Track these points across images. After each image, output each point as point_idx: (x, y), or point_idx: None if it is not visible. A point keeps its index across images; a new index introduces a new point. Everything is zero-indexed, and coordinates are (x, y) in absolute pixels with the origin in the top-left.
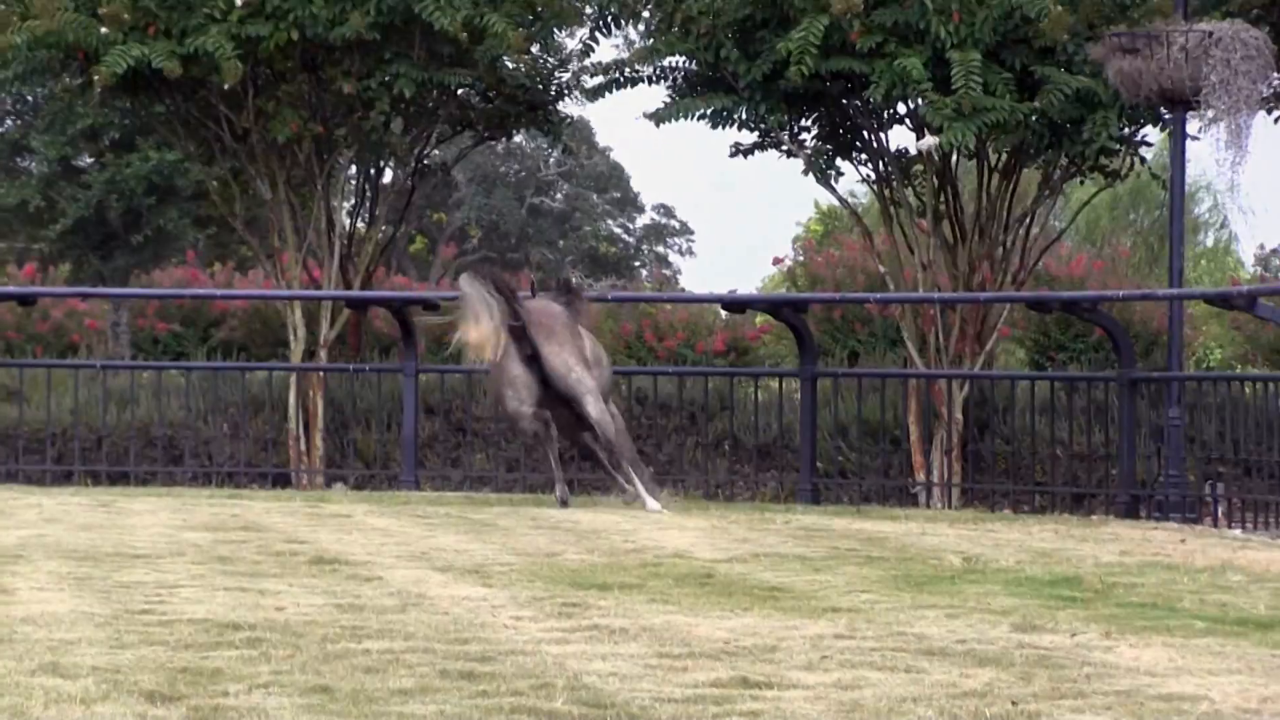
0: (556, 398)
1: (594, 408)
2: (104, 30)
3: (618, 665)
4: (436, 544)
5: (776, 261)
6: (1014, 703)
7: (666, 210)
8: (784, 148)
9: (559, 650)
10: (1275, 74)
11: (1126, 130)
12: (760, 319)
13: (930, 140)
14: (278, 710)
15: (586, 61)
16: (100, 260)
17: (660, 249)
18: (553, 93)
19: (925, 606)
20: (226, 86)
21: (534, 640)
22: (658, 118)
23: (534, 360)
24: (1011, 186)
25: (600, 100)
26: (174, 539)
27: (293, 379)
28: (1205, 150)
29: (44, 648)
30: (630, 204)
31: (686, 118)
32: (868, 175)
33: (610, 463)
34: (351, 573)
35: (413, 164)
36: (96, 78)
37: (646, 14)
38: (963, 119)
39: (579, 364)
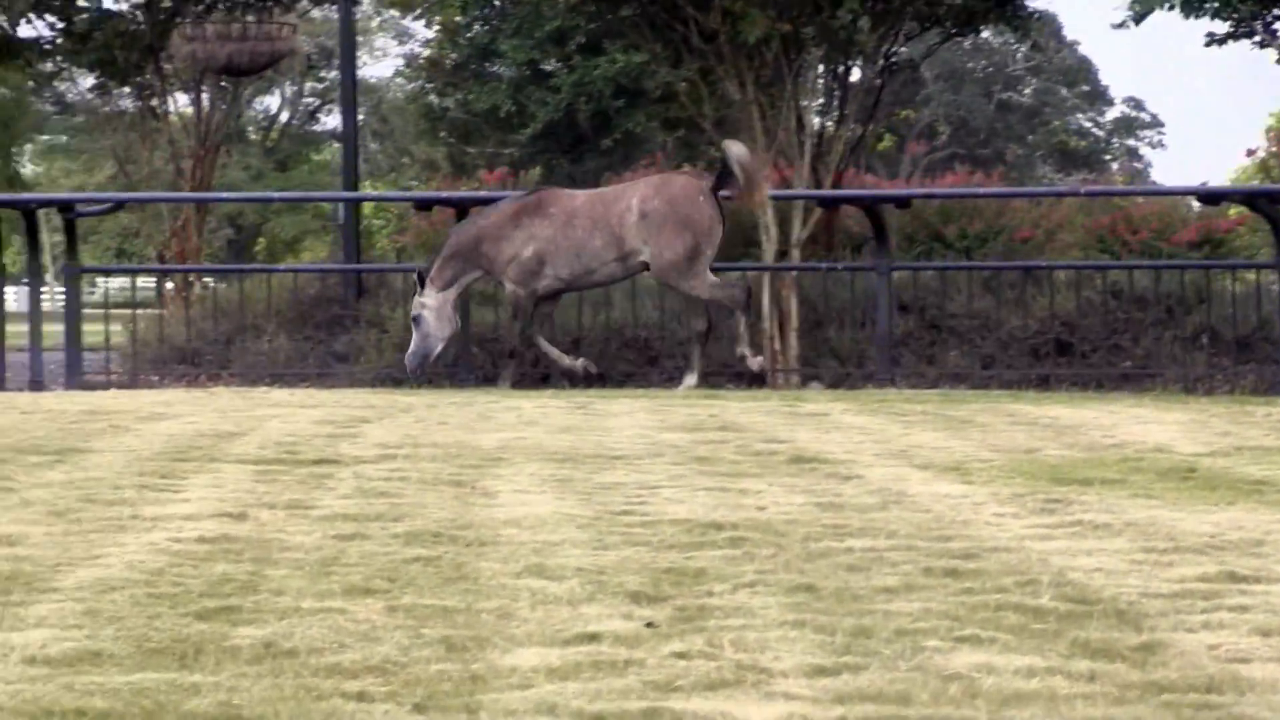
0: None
1: None
2: None
3: (1102, 561)
4: (914, 441)
5: (1250, 153)
6: None
7: (1136, 103)
8: (1256, 38)
9: (1042, 546)
10: None
11: None
12: (1234, 211)
13: None
14: (764, 609)
15: None
16: (570, 163)
17: (1130, 142)
18: None
19: None
20: None
21: (1017, 537)
22: (1130, 11)
23: None
24: None
25: None
26: (652, 440)
27: (766, 279)
28: None
29: (528, 550)
30: (1099, 97)
31: (1159, 8)
32: None
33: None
34: (831, 471)
35: (881, 62)
36: None
37: None
38: None
39: None
